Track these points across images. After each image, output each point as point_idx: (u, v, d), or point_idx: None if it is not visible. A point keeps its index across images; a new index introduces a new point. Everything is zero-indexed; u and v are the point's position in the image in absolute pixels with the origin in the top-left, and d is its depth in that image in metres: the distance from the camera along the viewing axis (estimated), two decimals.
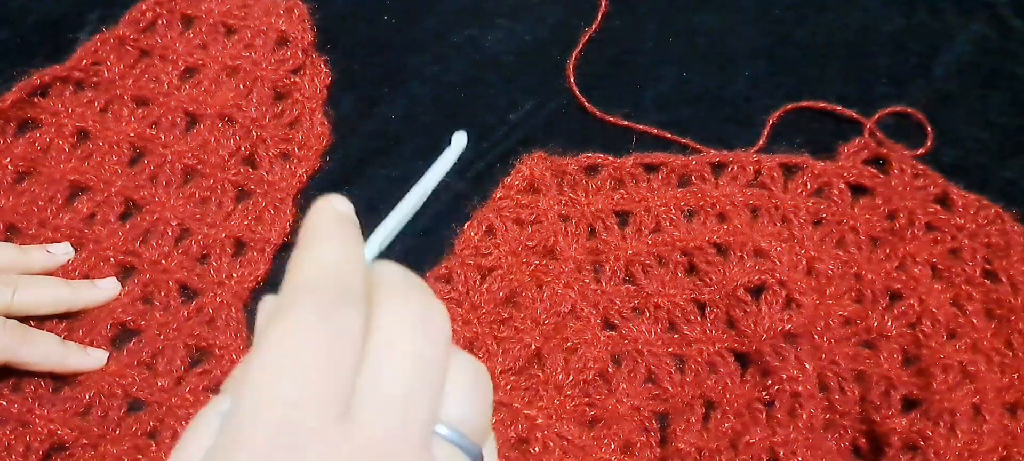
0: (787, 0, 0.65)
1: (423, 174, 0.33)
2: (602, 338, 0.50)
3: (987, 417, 0.46)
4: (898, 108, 0.59)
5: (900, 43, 0.63)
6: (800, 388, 0.48)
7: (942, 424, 0.46)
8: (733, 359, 0.50)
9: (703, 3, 0.64)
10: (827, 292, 0.51)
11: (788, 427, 0.47)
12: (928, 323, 0.49)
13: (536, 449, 0.47)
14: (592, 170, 0.56)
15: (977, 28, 0.63)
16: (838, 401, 0.48)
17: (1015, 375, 0.48)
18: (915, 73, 0.61)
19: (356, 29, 0.62)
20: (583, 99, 0.59)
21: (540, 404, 0.48)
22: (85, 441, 0.46)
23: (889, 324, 0.50)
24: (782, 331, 0.49)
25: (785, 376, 0.48)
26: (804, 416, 0.47)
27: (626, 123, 0.57)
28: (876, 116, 0.58)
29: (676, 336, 0.51)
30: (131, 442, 0.46)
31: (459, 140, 0.35)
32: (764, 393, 0.48)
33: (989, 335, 0.50)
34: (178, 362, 0.49)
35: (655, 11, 0.64)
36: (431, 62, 0.61)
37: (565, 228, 0.54)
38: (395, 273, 0.27)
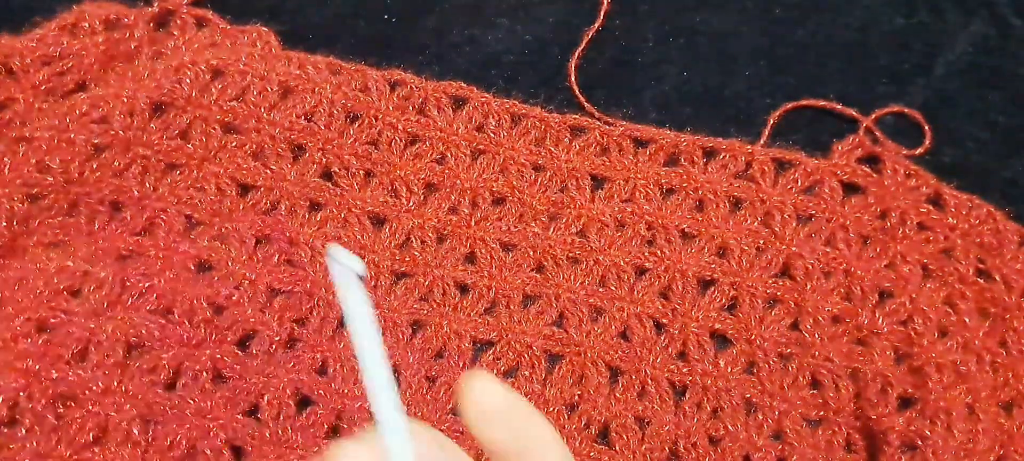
0: (787, 0, 0.65)
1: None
2: (526, 277, 0.51)
3: (981, 416, 0.46)
4: (896, 108, 0.59)
5: (900, 43, 0.63)
6: (711, 383, 0.48)
7: (939, 423, 0.46)
8: (651, 325, 0.50)
9: (703, 3, 0.64)
10: (807, 287, 0.51)
11: (692, 418, 0.48)
12: (919, 322, 0.49)
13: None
14: (578, 131, 0.56)
15: (977, 28, 0.63)
16: (832, 398, 0.48)
17: (1010, 374, 0.48)
18: (915, 73, 0.61)
19: (356, 29, 0.62)
20: (583, 99, 0.59)
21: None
22: None
23: (880, 322, 0.49)
24: (710, 328, 0.50)
25: (701, 369, 0.49)
26: (708, 409, 0.48)
27: (626, 123, 0.57)
28: (874, 115, 0.58)
29: (601, 289, 0.51)
30: None
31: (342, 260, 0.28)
32: (677, 378, 0.49)
33: (981, 334, 0.49)
34: None
35: (656, 11, 0.64)
36: (431, 62, 0.61)
37: (537, 178, 0.54)
38: None
